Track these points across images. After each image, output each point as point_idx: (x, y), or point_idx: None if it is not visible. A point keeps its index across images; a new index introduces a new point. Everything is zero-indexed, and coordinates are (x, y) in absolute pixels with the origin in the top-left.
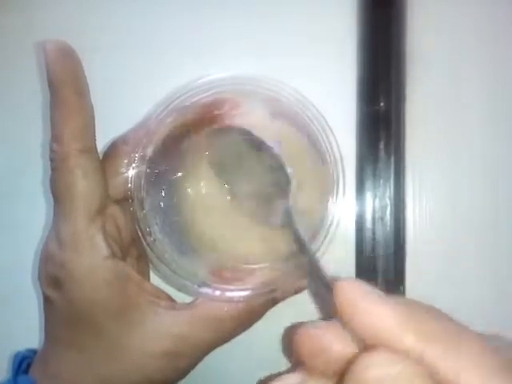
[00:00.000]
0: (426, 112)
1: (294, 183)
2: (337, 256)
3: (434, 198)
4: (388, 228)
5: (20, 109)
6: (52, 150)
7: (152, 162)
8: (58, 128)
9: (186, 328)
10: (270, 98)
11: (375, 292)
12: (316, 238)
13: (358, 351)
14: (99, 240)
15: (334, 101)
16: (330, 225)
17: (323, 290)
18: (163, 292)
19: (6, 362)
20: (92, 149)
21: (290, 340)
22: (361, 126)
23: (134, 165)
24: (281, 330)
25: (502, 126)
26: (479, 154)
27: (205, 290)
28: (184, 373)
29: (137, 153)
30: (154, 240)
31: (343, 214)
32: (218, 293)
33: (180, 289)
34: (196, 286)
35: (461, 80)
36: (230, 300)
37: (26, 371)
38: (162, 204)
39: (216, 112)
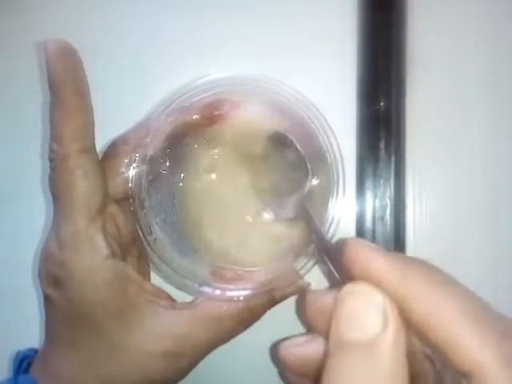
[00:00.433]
0: (426, 112)
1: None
2: None
3: (434, 198)
4: (388, 228)
5: (20, 109)
6: (52, 150)
7: (153, 161)
8: (57, 128)
9: (187, 328)
10: (270, 97)
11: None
12: None
13: None
14: (99, 240)
15: (334, 101)
16: (330, 224)
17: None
18: (163, 291)
19: (7, 362)
20: (92, 149)
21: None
22: (361, 126)
23: (134, 164)
24: (281, 330)
25: (502, 125)
26: (479, 154)
27: (205, 289)
28: (184, 373)
29: (137, 152)
30: (155, 239)
31: (343, 213)
32: (218, 292)
33: (180, 288)
34: (197, 286)
35: (461, 80)
36: (230, 299)
37: (27, 371)
38: (162, 203)
39: (216, 112)
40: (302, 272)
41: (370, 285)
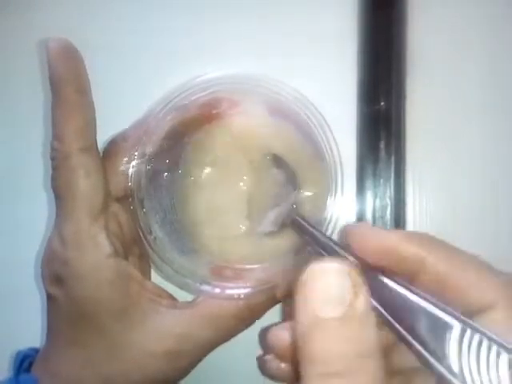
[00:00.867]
0: (426, 112)
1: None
2: None
3: (433, 198)
4: (388, 227)
5: (20, 109)
6: (53, 149)
7: (151, 160)
8: (59, 126)
9: (188, 327)
10: (268, 96)
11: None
12: None
13: None
14: (102, 238)
15: (334, 101)
16: (329, 223)
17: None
18: (164, 291)
19: (8, 362)
20: (93, 147)
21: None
22: (361, 125)
23: (133, 163)
24: None
25: (502, 126)
26: (479, 154)
27: (205, 287)
28: (185, 372)
29: (136, 151)
30: (155, 238)
31: (342, 212)
32: (218, 290)
33: (181, 287)
34: (197, 284)
35: (461, 80)
36: (231, 297)
37: (28, 370)
38: (161, 202)
39: (215, 111)
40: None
41: (334, 260)
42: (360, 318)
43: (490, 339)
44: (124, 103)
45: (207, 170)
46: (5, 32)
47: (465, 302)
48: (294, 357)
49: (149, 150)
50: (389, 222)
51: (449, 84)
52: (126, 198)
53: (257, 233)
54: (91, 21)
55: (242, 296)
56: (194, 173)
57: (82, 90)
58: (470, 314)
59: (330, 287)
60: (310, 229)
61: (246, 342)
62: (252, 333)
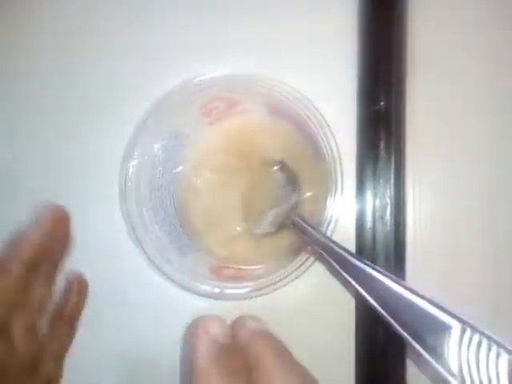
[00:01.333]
0: (426, 112)
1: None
2: None
3: (433, 198)
4: (388, 227)
5: (20, 109)
6: None
7: (152, 160)
8: None
9: None
10: (268, 96)
11: None
12: None
13: None
14: None
15: (334, 101)
16: (329, 223)
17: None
18: None
19: None
20: None
21: None
22: (361, 125)
23: (133, 163)
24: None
25: (502, 125)
26: (479, 154)
27: (205, 287)
28: None
29: (136, 151)
30: (156, 238)
31: (342, 212)
32: (217, 290)
33: (181, 287)
34: (197, 284)
35: (461, 80)
36: (230, 297)
37: None
38: (161, 202)
39: (215, 111)
40: (301, 269)
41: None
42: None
43: (489, 339)
44: (124, 103)
45: (207, 171)
46: (4, 32)
47: None
48: None
49: (149, 150)
50: (389, 222)
51: (449, 84)
52: None
53: (256, 233)
54: (91, 21)
55: (241, 296)
56: (194, 173)
57: (51, 272)
58: None
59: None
60: (310, 229)
61: None
62: None
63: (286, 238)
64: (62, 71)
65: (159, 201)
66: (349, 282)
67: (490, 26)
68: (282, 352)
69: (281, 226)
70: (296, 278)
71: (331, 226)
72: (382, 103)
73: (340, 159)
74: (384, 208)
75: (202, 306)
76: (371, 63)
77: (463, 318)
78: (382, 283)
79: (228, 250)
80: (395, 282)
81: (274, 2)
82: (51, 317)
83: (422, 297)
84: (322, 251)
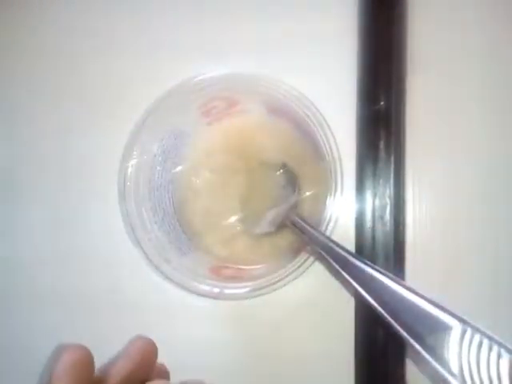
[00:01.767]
0: (426, 112)
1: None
2: None
3: (433, 198)
4: (388, 227)
5: (20, 109)
6: None
7: (151, 160)
8: None
9: None
10: (268, 95)
11: None
12: None
13: None
14: None
15: (334, 100)
16: (329, 223)
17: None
18: None
19: (6, 362)
20: None
21: None
22: (361, 125)
23: (132, 162)
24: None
25: (502, 125)
26: (479, 154)
27: (204, 287)
28: None
29: (135, 150)
30: (154, 238)
31: (342, 212)
32: (217, 290)
33: (180, 286)
34: (196, 284)
35: (461, 80)
36: (229, 297)
37: None
38: (160, 202)
39: (215, 110)
40: (300, 269)
41: None
42: None
43: (490, 340)
44: (123, 102)
45: (206, 170)
46: (4, 32)
47: None
48: None
49: (148, 149)
50: (388, 222)
51: (449, 84)
52: None
53: (255, 233)
54: (91, 21)
55: (241, 296)
56: (193, 173)
57: None
58: None
59: None
60: (310, 229)
61: (246, 342)
62: (252, 333)
63: (286, 238)
64: (61, 71)
65: (158, 200)
66: (348, 282)
67: (490, 26)
68: None
69: (280, 226)
70: (295, 277)
71: (331, 225)
72: (382, 103)
73: (340, 159)
74: (384, 208)
75: (201, 305)
76: (371, 63)
77: (463, 317)
78: (382, 283)
79: (227, 250)
80: (395, 281)
81: (273, 1)
82: None
83: (422, 297)
84: (321, 251)
